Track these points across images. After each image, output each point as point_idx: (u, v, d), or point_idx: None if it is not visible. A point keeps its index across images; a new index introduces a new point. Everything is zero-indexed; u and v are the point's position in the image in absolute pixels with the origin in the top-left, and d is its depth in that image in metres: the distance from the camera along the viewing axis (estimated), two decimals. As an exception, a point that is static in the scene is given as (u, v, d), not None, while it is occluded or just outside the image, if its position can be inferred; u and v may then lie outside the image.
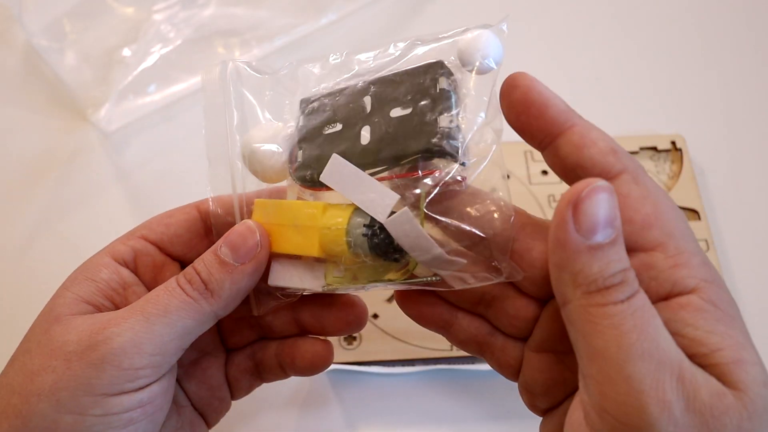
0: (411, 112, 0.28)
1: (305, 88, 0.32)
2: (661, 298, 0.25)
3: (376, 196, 0.27)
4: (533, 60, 0.58)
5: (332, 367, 0.43)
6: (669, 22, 0.60)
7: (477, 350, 0.31)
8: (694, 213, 0.50)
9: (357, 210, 0.28)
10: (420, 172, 0.27)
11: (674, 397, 0.22)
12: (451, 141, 0.26)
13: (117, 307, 0.30)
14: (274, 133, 0.31)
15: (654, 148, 0.52)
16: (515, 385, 0.32)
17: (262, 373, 0.35)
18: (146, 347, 0.27)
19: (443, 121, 0.27)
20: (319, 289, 0.30)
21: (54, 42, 0.54)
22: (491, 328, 0.31)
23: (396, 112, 0.28)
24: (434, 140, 0.26)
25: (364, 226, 0.28)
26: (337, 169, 0.28)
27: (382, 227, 0.27)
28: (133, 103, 0.53)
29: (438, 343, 0.44)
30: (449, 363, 0.44)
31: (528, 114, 0.27)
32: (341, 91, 0.30)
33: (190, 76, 0.55)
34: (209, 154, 0.31)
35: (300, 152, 0.30)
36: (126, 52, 0.54)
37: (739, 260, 0.49)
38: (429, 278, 0.29)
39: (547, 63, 0.58)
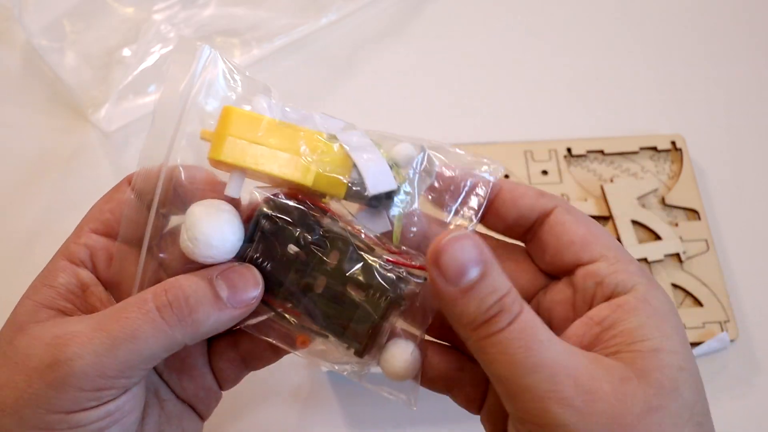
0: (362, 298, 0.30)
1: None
2: (605, 298, 0.29)
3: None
4: (533, 60, 0.58)
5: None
6: (669, 21, 0.60)
7: (445, 387, 0.32)
8: (694, 213, 0.50)
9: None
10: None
11: (572, 394, 0.25)
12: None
13: (79, 310, 0.29)
14: (230, 215, 0.29)
15: (654, 148, 0.52)
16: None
17: (248, 361, 0.34)
18: (109, 372, 0.26)
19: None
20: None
21: (54, 42, 0.54)
22: (461, 360, 0.32)
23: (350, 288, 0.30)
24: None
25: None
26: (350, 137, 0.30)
27: None
28: (133, 103, 0.53)
29: (438, 343, 0.44)
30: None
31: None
32: (309, 224, 0.30)
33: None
34: (155, 119, 0.29)
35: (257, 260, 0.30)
36: (126, 52, 0.54)
37: (739, 260, 0.49)
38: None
39: (548, 63, 0.58)
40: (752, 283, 0.48)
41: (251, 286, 0.29)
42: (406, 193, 0.30)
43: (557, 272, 0.31)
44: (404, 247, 0.31)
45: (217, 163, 0.29)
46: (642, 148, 0.52)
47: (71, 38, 0.55)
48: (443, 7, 0.60)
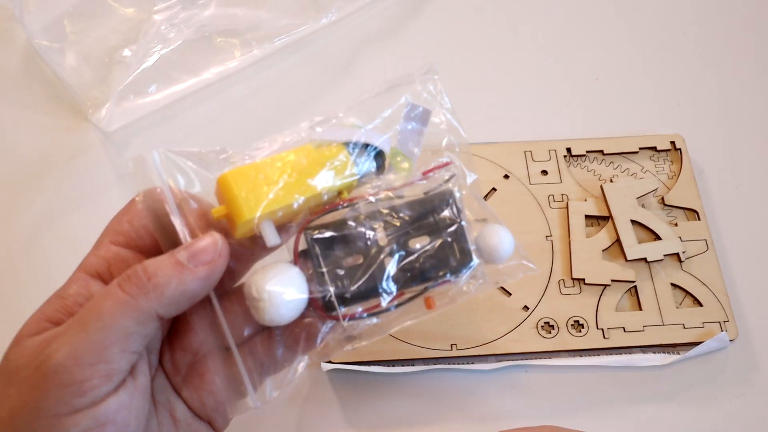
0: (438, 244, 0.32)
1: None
2: None
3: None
4: (533, 60, 0.58)
5: (332, 366, 0.43)
6: (668, 22, 0.60)
7: None
8: (693, 213, 0.50)
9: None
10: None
11: None
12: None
13: None
14: (288, 276, 0.30)
15: (654, 148, 0.52)
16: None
17: (268, 367, 0.33)
18: (85, 358, 0.26)
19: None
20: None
21: (54, 42, 0.54)
22: None
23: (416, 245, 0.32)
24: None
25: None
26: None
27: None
28: (134, 103, 0.53)
29: (438, 343, 0.44)
30: (449, 363, 0.44)
31: None
32: (345, 222, 0.32)
33: (190, 76, 0.55)
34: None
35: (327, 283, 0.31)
36: (126, 52, 0.54)
37: (738, 260, 0.49)
38: None
39: (547, 63, 0.58)
40: (752, 283, 0.48)
41: (210, 247, 0.29)
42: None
43: None
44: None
45: (244, 227, 0.30)
46: (642, 148, 0.52)
47: (71, 38, 0.55)
48: (443, 7, 0.60)
